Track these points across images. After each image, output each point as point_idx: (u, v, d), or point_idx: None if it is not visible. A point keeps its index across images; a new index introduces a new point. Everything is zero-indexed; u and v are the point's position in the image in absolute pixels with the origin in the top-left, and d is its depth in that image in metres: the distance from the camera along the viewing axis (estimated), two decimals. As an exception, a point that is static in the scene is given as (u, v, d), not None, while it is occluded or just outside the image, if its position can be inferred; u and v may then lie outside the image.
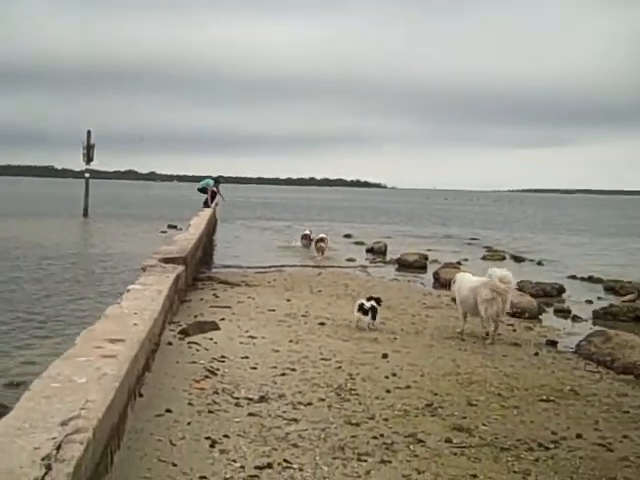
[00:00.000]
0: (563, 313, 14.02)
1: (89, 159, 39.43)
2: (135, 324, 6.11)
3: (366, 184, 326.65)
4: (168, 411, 5.89)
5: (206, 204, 32.03)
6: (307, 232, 26.37)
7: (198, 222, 21.35)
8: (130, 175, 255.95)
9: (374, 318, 10.77)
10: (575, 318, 13.56)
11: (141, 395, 6.12)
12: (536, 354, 9.78)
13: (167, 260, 11.03)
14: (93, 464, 3.56)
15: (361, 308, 10.80)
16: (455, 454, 5.58)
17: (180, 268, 10.66)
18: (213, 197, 32.69)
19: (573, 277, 20.21)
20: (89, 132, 39.07)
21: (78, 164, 41.54)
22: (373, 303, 10.90)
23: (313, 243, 23.95)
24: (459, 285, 10.99)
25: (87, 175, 40.07)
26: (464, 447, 5.75)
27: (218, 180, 33.10)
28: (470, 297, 10.54)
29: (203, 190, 32.78)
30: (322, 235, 23.45)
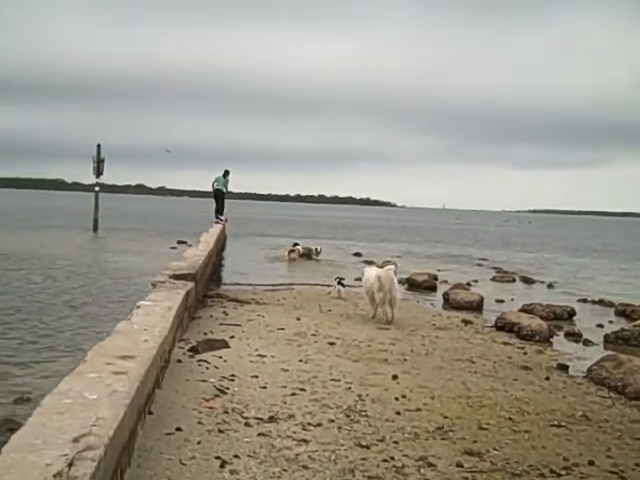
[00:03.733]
0: (574, 337, 13.92)
1: (99, 173, 39.55)
2: (145, 340, 6.10)
3: (376, 202, 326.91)
4: (178, 429, 5.86)
5: (218, 213, 31.41)
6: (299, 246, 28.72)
7: (208, 238, 21.36)
8: (140, 189, 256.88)
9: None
10: (586, 342, 13.46)
11: (151, 413, 6.09)
12: (547, 378, 9.71)
13: (177, 276, 11.02)
14: (105, 483, 3.54)
15: (340, 282, 16.67)
16: (466, 479, 5.52)
17: (190, 285, 10.65)
18: (223, 203, 31.27)
19: (584, 300, 20.10)
20: (99, 146, 39.24)
21: (88, 177, 41.69)
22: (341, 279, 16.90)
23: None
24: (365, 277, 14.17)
25: (97, 189, 40.19)
26: (475, 472, 5.69)
27: (227, 173, 30.35)
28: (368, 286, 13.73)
29: (217, 193, 30.72)
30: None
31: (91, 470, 3.23)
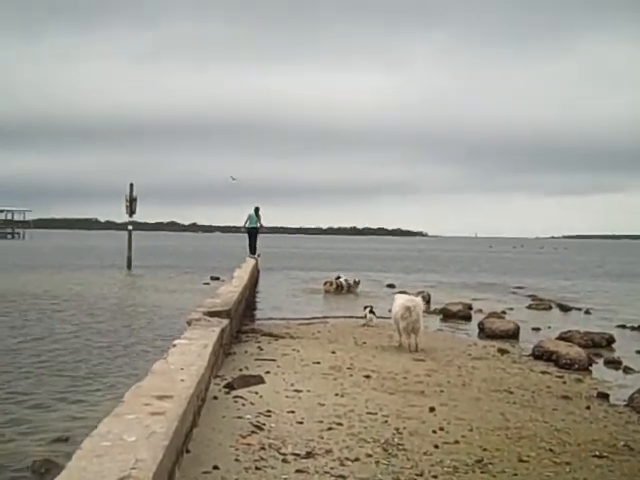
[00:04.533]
0: (614, 364, 13.69)
1: (132, 211, 40.13)
2: (182, 380, 6.13)
3: (408, 232, 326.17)
4: (215, 468, 5.86)
5: (252, 250, 31.60)
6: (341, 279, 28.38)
7: (241, 274, 21.48)
8: (172, 226, 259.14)
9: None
10: (627, 369, 13.24)
11: (188, 451, 6.10)
12: (588, 407, 9.56)
13: (212, 314, 11.09)
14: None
15: (371, 311, 17.32)
16: (507, 513, 5.45)
17: (225, 322, 10.70)
18: (255, 237, 31.48)
19: (622, 326, 19.80)
20: (132, 185, 39.89)
21: (121, 216, 42.27)
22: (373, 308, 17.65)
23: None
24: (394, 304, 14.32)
25: (130, 227, 40.75)
26: (517, 506, 5.61)
27: (257, 209, 30.68)
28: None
29: (250, 231, 31.11)
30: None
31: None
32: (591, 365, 13.23)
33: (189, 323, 10.28)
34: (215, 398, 8.29)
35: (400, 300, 14.28)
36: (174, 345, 8.10)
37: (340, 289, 27.37)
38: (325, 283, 27.97)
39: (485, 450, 7.12)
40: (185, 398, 5.49)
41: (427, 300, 25.12)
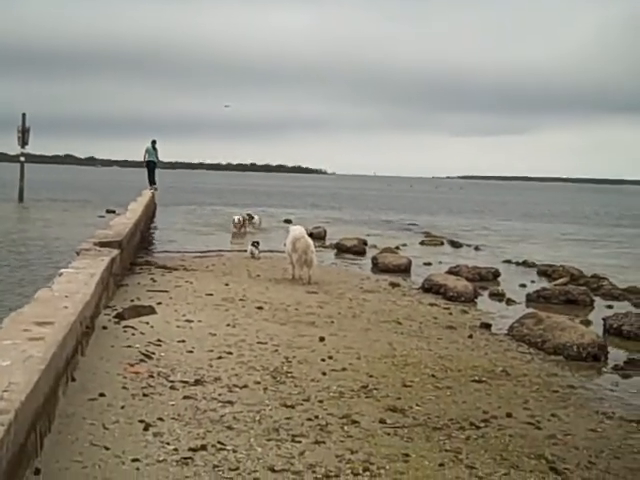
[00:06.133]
0: (498, 296, 14.27)
1: (24, 143, 38.53)
2: (65, 307, 6.00)
3: (307, 170, 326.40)
4: (102, 395, 5.82)
5: (151, 184, 31.78)
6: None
7: (136, 207, 21.06)
8: (69, 160, 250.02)
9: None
10: (509, 301, 13.82)
11: (74, 379, 6.03)
12: (470, 336, 9.96)
13: (102, 244, 10.85)
14: (16, 445, 3.50)
15: (254, 245, 17.73)
16: (388, 434, 5.65)
17: (115, 252, 10.50)
18: (153, 171, 31.99)
19: (508, 262, 20.58)
20: (24, 115, 38.14)
21: (14, 148, 40.55)
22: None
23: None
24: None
25: (22, 159, 39.11)
26: (397, 427, 5.83)
27: (154, 143, 31.08)
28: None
29: (150, 165, 31.63)
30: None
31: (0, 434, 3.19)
32: (477, 297, 13.75)
33: (78, 253, 10.05)
34: (105, 328, 8.18)
35: (293, 233, 14.42)
36: (60, 274, 7.91)
37: (240, 226, 27.20)
38: (233, 220, 27.44)
39: (371, 377, 7.33)
40: (66, 324, 5.38)
41: (322, 236, 25.42)
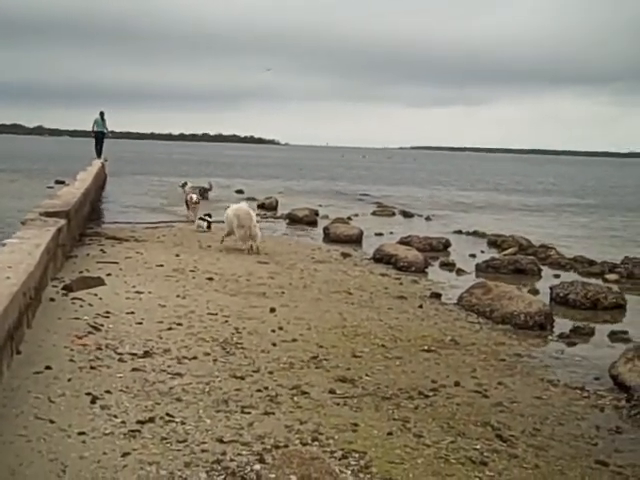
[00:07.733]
0: (448, 266, 14.40)
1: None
2: (7, 277, 5.88)
3: (260, 140, 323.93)
4: (48, 368, 5.74)
5: (98, 152, 31.72)
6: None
7: (85, 176, 20.71)
8: (16, 129, 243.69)
9: (209, 227, 17.02)
10: (459, 271, 13.96)
11: (19, 352, 5.93)
12: (420, 306, 10.05)
13: (49, 214, 10.65)
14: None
15: (202, 218, 17.37)
16: (338, 404, 5.69)
17: (62, 222, 10.31)
18: (101, 141, 31.99)
19: (459, 232, 20.77)
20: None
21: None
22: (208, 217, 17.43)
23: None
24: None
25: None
26: (347, 397, 5.87)
27: (102, 114, 31.11)
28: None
29: (98, 135, 31.70)
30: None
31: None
32: (427, 267, 13.86)
33: (24, 223, 9.85)
34: (52, 300, 8.06)
35: (230, 211, 14.26)
36: (4, 244, 7.74)
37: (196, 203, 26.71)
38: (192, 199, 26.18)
39: (321, 347, 7.36)
40: (8, 295, 5.27)
41: (274, 206, 25.30)
